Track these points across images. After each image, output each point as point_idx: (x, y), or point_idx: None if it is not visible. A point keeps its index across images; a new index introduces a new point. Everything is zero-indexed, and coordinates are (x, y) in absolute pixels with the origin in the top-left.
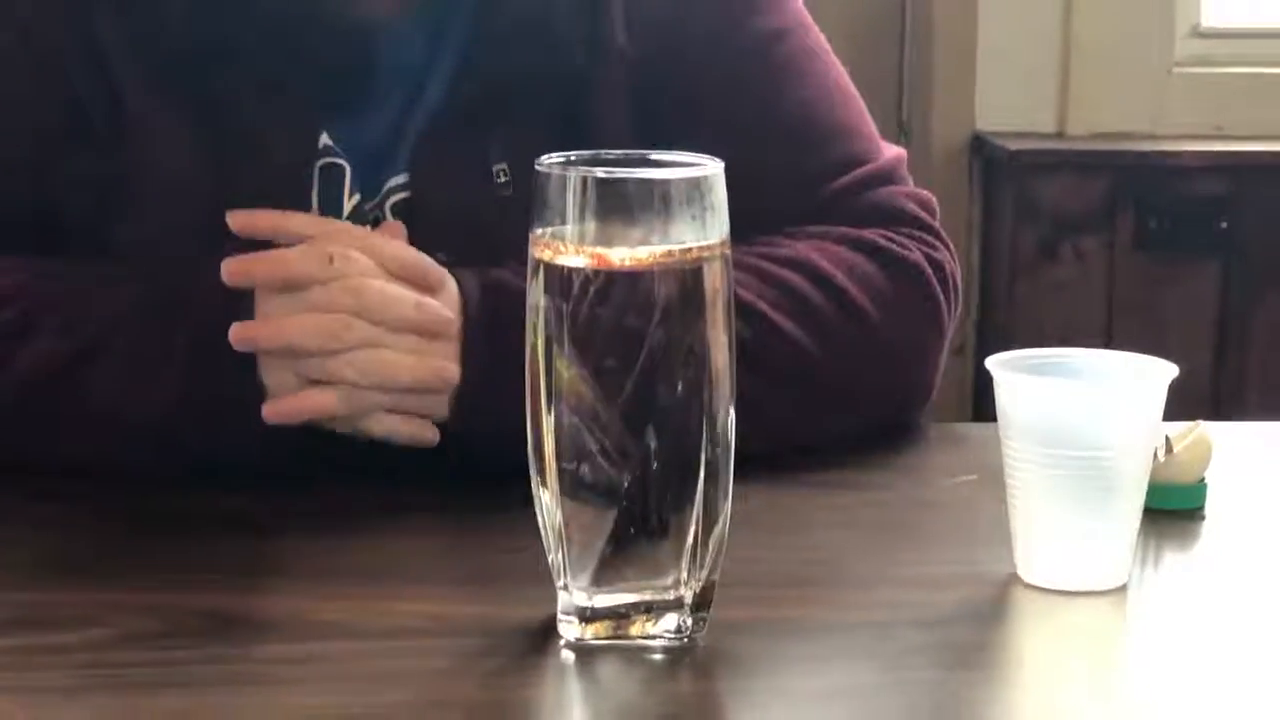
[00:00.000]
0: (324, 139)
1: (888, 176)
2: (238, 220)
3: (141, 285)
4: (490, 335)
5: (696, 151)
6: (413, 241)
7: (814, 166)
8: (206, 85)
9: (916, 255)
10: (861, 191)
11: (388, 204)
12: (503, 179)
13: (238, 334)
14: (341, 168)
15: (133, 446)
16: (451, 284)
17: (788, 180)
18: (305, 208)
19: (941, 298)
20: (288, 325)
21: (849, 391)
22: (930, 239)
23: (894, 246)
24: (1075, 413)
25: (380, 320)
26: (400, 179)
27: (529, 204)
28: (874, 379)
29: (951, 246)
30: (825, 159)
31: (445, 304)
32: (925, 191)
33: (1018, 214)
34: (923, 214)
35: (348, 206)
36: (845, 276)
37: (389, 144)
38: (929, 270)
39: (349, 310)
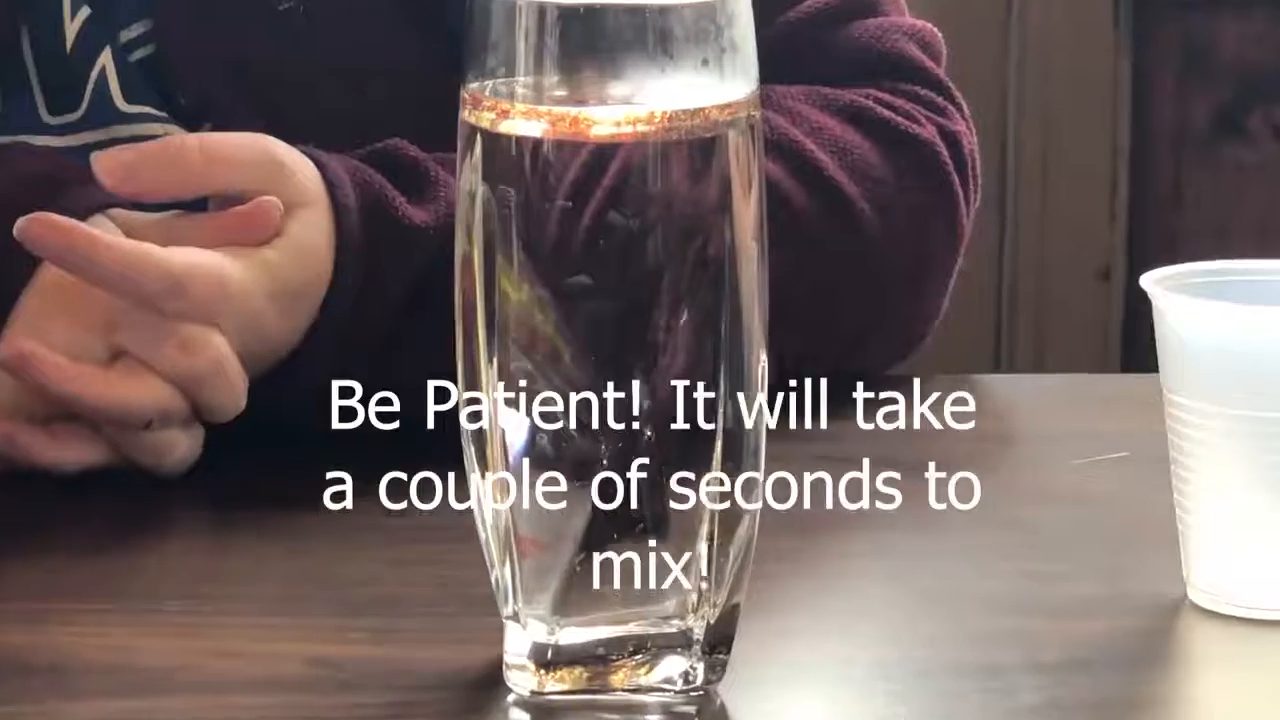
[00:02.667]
0: None
1: (871, 2)
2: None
3: None
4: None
5: None
6: (172, 98)
7: None
8: None
9: (928, 130)
10: (837, 24)
11: (131, 58)
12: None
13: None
14: None
15: None
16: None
17: None
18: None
19: (959, 192)
20: (134, 391)
21: (827, 325)
22: (941, 100)
23: (896, 117)
24: (1278, 356)
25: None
26: (140, 27)
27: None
28: (863, 308)
29: (965, 108)
30: None
31: (315, 227)
32: (926, 24)
33: (1186, 71)
34: (929, 63)
35: (72, 31)
36: (836, 165)
37: None
38: (944, 152)
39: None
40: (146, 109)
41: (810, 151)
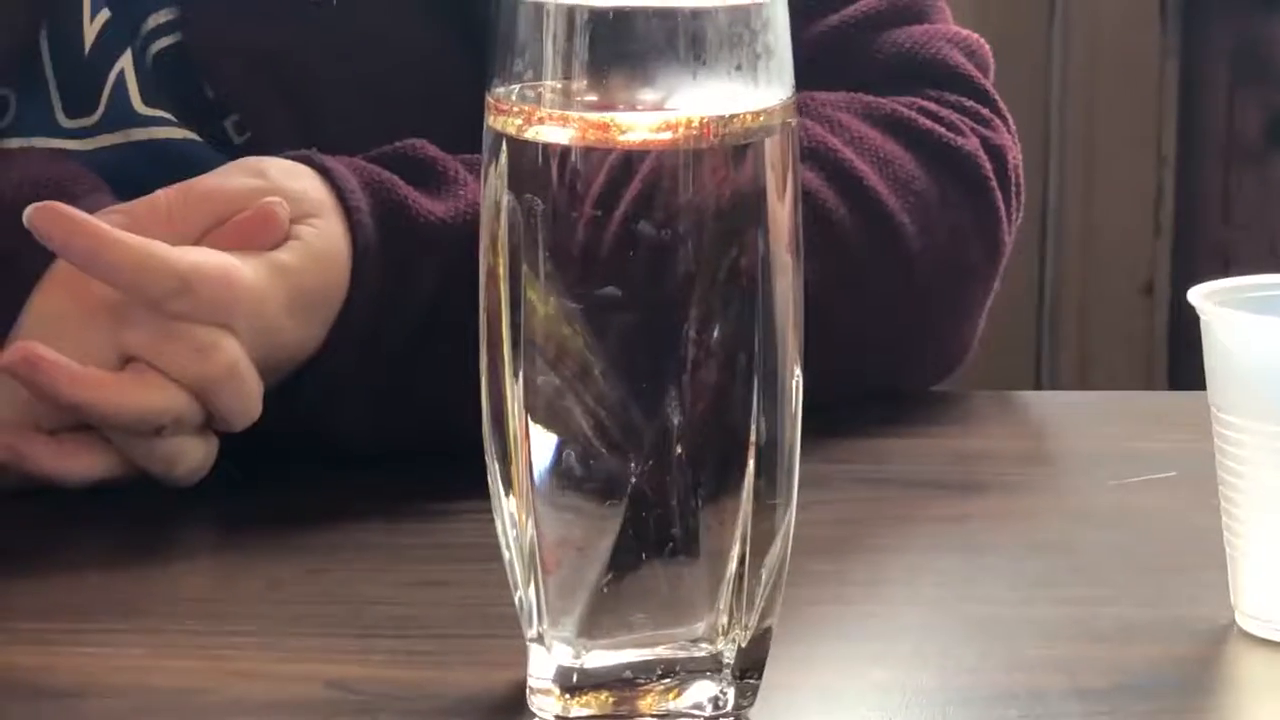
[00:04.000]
0: None
1: (916, 9)
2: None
3: None
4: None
5: None
6: (193, 93)
7: None
8: None
9: (972, 143)
10: (881, 30)
11: (149, 52)
12: None
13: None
14: None
15: None
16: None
17: None
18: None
19: (1001, 207)
20: (145, 395)
21: (863, 340)
22: (986, 112)
23: (940, 129)
24: None
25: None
26: (166, 15)
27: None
28: (900, 323)
29: (1010, 121)
30: None
31: (328, 234)
32: (973, 34)
33: (1237, 76)
34: (975, 72)
35: (91, 33)
36: (877, 176)
37: None
38: (987, 165)
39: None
40: (162, 113)
41: (849, 161)
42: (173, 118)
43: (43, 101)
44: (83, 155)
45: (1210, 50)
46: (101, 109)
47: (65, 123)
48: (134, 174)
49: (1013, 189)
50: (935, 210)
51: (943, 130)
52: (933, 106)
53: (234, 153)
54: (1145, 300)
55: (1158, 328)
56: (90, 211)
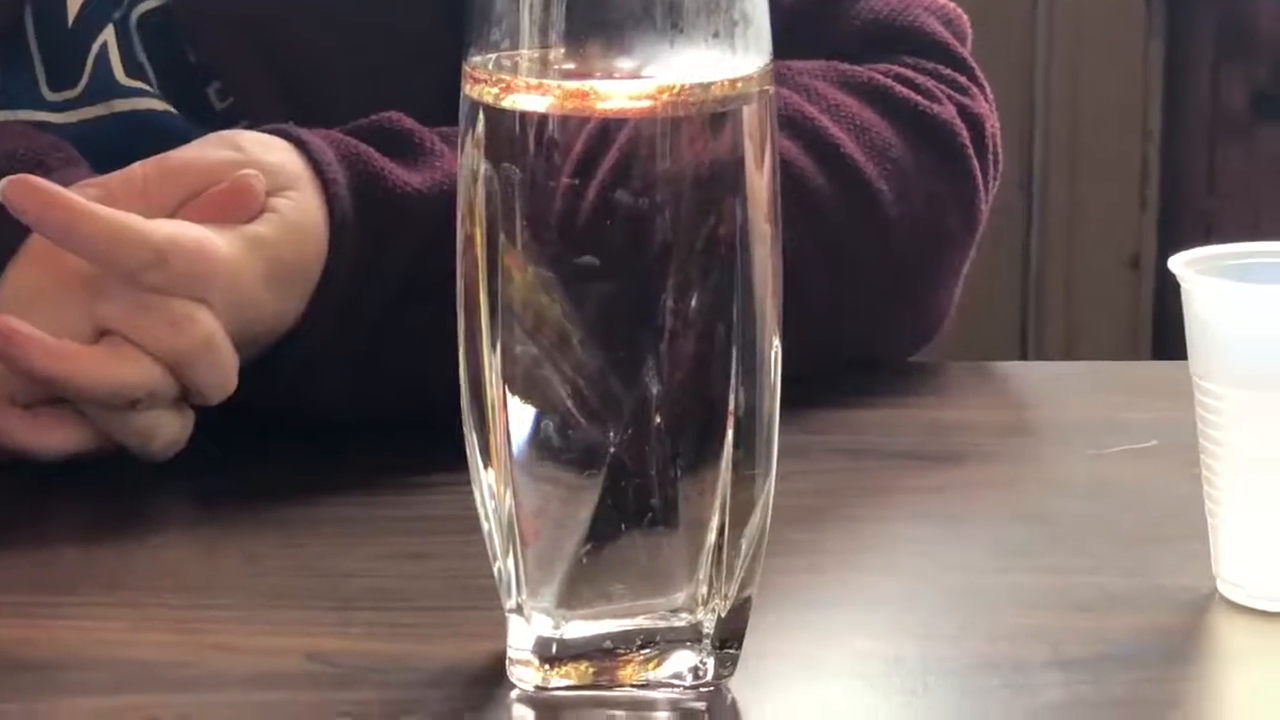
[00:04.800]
0: None
1: None
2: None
3: None
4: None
5: None
6: (175, 59)
7: None
8: None
9: (948, 110)
10: None
11: (132, 16)
12: None
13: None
14: None
15: None
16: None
17: None
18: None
19: (978, 175)
20: (120, 369)
21: (841, 309)
22: (963, 80)
23: (917, 96)
24: None
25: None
26: None
27: None
28: (878, 291)
29: (988, 89)
30: None
31: (304, 206)
32: (950, 3)
33: (1221, 51)
34: (952, 40)
35: (75, 5)
36: (854, 143)
37: None
38: (964, 133)
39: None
40: (144, 85)
41: (826, 129)
42: (150, 89)
43: (26, 74)
44: (65, 128)
45: (1195, 26)
46: (84, 81)
47: (49, 95)
48: (116, 146)
49: (990, 157)
50: (912, 177)
51: (919, 98)
52: (909, 74)
53: (215, 122)
54: (1131, 274)
55: (1143, 302)
56: (65, 184)
